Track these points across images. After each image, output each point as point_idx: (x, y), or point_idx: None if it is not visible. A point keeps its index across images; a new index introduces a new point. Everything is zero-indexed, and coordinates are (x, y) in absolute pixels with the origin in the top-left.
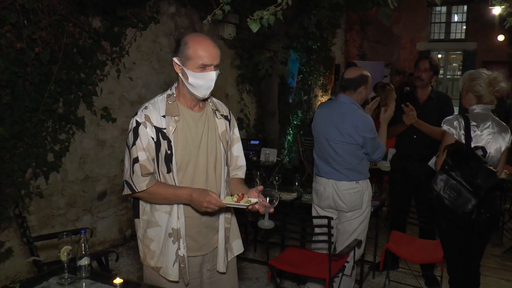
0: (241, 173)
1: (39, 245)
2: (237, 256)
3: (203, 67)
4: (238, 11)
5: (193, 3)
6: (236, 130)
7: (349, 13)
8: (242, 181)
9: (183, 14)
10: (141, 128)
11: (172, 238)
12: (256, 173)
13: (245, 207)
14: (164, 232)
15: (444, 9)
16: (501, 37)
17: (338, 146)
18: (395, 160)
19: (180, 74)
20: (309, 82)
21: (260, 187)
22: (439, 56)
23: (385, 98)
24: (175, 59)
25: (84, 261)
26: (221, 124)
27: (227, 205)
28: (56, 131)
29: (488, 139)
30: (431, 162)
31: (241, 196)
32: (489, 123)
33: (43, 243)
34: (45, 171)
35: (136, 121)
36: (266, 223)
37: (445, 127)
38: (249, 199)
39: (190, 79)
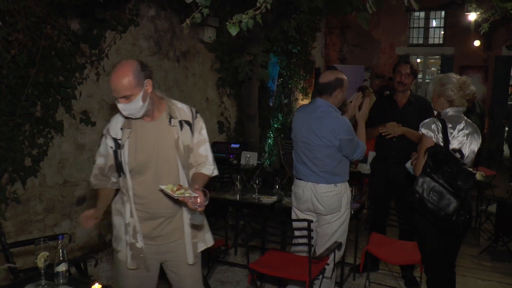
0: (205, 170)
1: (15, 252)
2: (217, 260)
3: (116, 98)
4: (218, 14)
5: (173, 6)
6: (204, 132)
7: (329, 17)
8: (201, 176)
9: (163, 17)
10: (103, 139)
11: (128, 228)
12: (236, 177)
13: (176, 198)
14: (123, 222)
15: (422, 14)
16: (477, 43)
17: (315, 149)
18: (375, 162)
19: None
20: (290, 86)
21: (197, 186)
22: (418, 60)
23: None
24: None
25: (62, 267)
26: (176, 131)
27: (165, 192)
28: (34, 135)
29: (463, 140)
30: (408, 165)
31: (179, 187)
32: (463, 124)
33: (20, 249)
34: (22, 176)
35: (102, 133)
36: (196, 219)
37: (423, 130)
38: (185, 192)
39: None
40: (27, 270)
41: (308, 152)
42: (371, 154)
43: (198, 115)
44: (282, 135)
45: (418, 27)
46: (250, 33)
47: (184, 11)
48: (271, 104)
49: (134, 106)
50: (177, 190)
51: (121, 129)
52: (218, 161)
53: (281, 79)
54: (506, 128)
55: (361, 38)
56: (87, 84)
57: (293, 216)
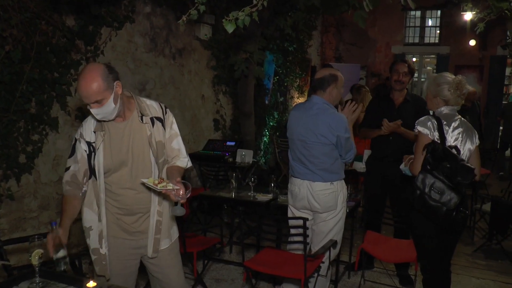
0: (180, 162)
1: (9, 249)
2: (212, 258)
3: (87, 104)
4: (214, 11)
5: (168, 3)
6: (175, 126)
7: (325, 16)
8: (178, 168)
9: (159, 13)
10: (77, 143)
11: (90, 232)
12: (232, 175)
13: (159, 190)
14: (87, 226)
15: (418, 13)
16: (472, 42)
17: (312, 147)
18: (371, 161)
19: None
20: (285, 84)
21: (178, 179)
22: (414, 59)
23: (361, 100)
24: None
25: (62, 253)
26: (149, 128)
27: (146, 185)
28: (28, 132)
29: (459, 138)
30: (402, 167)
31: (161, 180)
32: (458, 122)
33: (14, 247)
34: (16, 173)
35: (75, 137)
36: (177, 210)
37: (419, 128)
38: (167, 185)
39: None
40: (21, 267)
41: (304, 150)
42: (367, 153)
43: (168, 110)
44: (277, 133)
45: (414, 26)
46: (246, 31)
47: (180, 8)
48: (266, 102)
49: (107, 109)
50: (159, 183)
51: (94, 132)
52: (213, 159)
53: (277, 77)
54: (501, 127)
55: (357, 37)
56: None
57: (289, 214)
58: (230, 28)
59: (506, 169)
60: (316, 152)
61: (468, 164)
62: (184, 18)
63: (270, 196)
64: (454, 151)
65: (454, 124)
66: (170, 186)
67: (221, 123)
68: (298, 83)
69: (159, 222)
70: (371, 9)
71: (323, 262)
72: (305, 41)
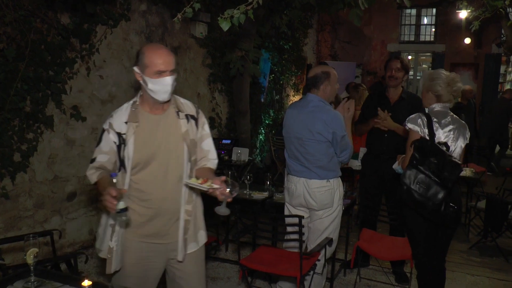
0: (210, 164)
1: (4, 248)
2: (208, 256)
3: (159, 73)
4: (210, 9)
5: (164, 1)
6: (206, 127)
7: (320, 14)
8: (210, 170)
9: (154, 12)
10: (105, 134)
11: (111, 229)
12: (227, 172)
13: (206, 190)
14: (106, 220)
15: (413, 11)
16: (467, 40)
17: (308, 144)
18: (366, 158)
19: (141, 81)
20: (281, 82)
21: (223, 177)
22: (409, 57)
23: (359, 98)
24: (135, 68)
25: (122, 205)
26: (184, 124)
27: (190, 185)
28: (23, 130)
29: (449, 135)
30: (395, 166)
31: (205, 180)
32: (449, 119)
33: (9, 246)
34: (11, 172)
35: (103, 128)
36: (222, 210)
37: (409, 125)
38: (212, 184)
39: (149, 85)
40: (16, 266)
41: (301, 148)
42: (362, 150)
43: (200, 110)
44: (273, 131)
45: (410, 24)
46: (242, 29)
47: (175, 6)
48: (262, 100)
49: (174, 84)
50: (203, 182)
51: (126, 123)
52: None
53: (273, 75)
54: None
55: (352, 35)
56: (77, 79)
57: (286, 212)
58: (225, 26)
59: (496, 166)
60: (312, 150)
61: (456, 160)
62: (179, 16)
63: (266, 194)
64: (443, 147)
65: (445, 121)
66: (215, 185)
67: (217, 121)
68: (293, 81)
69: (187, 221)
70: (367, 7)
71: (318, 260)
72: (301, 39)
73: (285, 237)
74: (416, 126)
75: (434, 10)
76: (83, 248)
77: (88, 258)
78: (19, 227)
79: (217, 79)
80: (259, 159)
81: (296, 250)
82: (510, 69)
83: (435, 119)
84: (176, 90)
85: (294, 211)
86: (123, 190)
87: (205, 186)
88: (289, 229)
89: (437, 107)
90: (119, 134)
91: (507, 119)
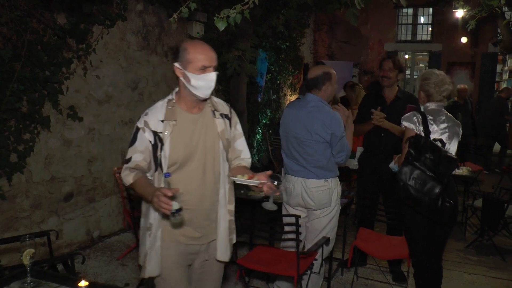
0: (244, 162)
1: (0, 249)
2: None
3: (203, 69)
4: (207, 9)
5: (161, 1)
6: (239, 126)
7: (317, 13)
8: (247, 168)
9: (151, 11)
10: (140, 133)
11: (148, 232)
12: None
13: (255, 185)
14: (144, 224)
15: (410, 11)
16: (464, 39)
17: (306, 144)
18: (363, 157)
19: (181, 78)
20: (278, 82)
21: (269, 172)
22: (406, 56)
23: (356, 97)
24: (176, 65)
25: (176, 205)
26: (220, 123)
27: (238, 182)
28: (20, 131)
29: (444, 132)
30: (391, 165)
31: (251, 176)
32: (444, 117)
33: (5, 246)
34: (7, 172)
35: (137, 126)
36: (269, 205)
37: (405, 123)
38: (259, 179)
39: (192, 81)
40: (13, 267)
41: (299, 148)
42: (359, 150)
43: (232, 110)
44: (270, 131)
45: (406, 24)
46: (238, 29)
47: (172, 5)
48: (259, 100)
49: (215, 81)
50: (250, 178)
51: (162, 121)
52: None
53: (270, 74)
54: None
55: (349, 35)
56: (74, 79)
57: (284, 212)
58: (221, 26)
59: (497, 165)
60: (310, 150)
61: (451, 155)
62: (175, 15)
63: (263, 193)
64: (438, 143)
65: (439, 119)
66: (263, 180)
67: None
68: (291, 80)
69: (231, 221)
70: (363, 7)
71: (316, 259)
72: (298, 39)
73: (283, 237)
74: (411, 124)
75: (431, 9)
76: (80, 248)
77: (85, 259)
78: (15, 228)
79: None
80: (257, 159)
81: (293, 250)
82: (506, 68)
83: (430, 117)
84: (173, 90)
85: (292, 211)
86: (177, 189)
87: (254, 182)
88: (286, 228)
89: (431, 105)
90: (155, 133)
91: (504, 118)
